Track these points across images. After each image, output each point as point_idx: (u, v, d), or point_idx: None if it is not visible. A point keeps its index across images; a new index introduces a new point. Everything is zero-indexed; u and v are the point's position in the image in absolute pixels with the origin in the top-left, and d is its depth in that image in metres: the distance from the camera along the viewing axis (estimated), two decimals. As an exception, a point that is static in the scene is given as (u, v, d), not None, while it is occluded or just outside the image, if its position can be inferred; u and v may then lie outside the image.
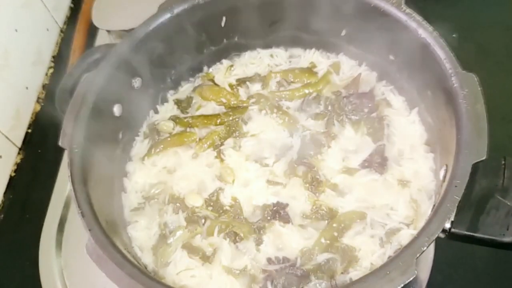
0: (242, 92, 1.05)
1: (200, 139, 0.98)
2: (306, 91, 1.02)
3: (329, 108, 0.99)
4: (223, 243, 0.85)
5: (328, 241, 0.84)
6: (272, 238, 0.86)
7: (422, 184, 0.89)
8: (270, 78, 1.05)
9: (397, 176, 0.90)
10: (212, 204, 0.91)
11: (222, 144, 0.97)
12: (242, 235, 0.86)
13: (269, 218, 0.87)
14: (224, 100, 1.04)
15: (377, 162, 0.91)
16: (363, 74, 1.03)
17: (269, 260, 0.83)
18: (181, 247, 0.86)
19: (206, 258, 0.85)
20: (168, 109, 1.06)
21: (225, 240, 0.86)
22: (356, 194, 0.89)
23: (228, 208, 0.90)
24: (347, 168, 0.92)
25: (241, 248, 0.86)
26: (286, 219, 0.87)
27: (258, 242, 0.86)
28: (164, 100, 1.07)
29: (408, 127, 0.96)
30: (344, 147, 0.95)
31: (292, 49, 1.10)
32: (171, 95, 1.08)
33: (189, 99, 1.07)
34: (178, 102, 1.07)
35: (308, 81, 1.04)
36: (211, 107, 1.04)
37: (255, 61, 1.10)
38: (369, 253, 0.83)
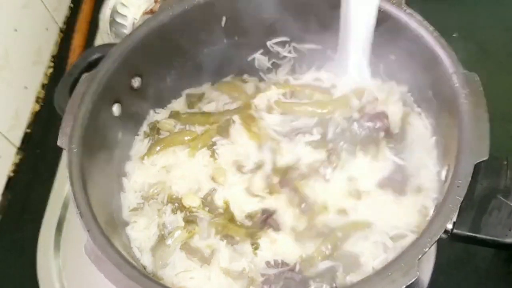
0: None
1: (194, 138, 0.97)
2: (317, 110, 0.92)
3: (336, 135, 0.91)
4: (221, 245, 0.84)
5: (330, 248, 0.80)
6: (268, 243, 0.84)
7: (428, 187, 0.85)
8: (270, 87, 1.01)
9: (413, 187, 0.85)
10: (207, 204, 0.90)
11: (214, 143, 0.95)
12: (238, 238, 0.84)
13: (260, 224, 0.85)
14: (236, 95, 1.02)
15: (397, 181, 0.84)
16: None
17: (268, 264, 0.82)
18: (180, 248, 0.85)
19: (204, 260, 0.84)
20: (169, 107, 1.05)
21: (222, 242, 0.84)
22: (363, 213, 0.84)
23: (221, 211, 0.89)
24: (356, 191, 0.86)
25: (239, 250, 0.84)
26: (276, 227, 0.84)
27: (255, 246, 0.84)
28: (164, 100, 1.06)
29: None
30: (350, 174, 0.88)
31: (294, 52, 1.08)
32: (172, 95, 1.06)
33: (200, 95, 1.05)
34: (188, 97, 1.05)
35: (318, 99, 0.96)
36: (213, 107, 1.02)
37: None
38: (371, 258, 0.80)
